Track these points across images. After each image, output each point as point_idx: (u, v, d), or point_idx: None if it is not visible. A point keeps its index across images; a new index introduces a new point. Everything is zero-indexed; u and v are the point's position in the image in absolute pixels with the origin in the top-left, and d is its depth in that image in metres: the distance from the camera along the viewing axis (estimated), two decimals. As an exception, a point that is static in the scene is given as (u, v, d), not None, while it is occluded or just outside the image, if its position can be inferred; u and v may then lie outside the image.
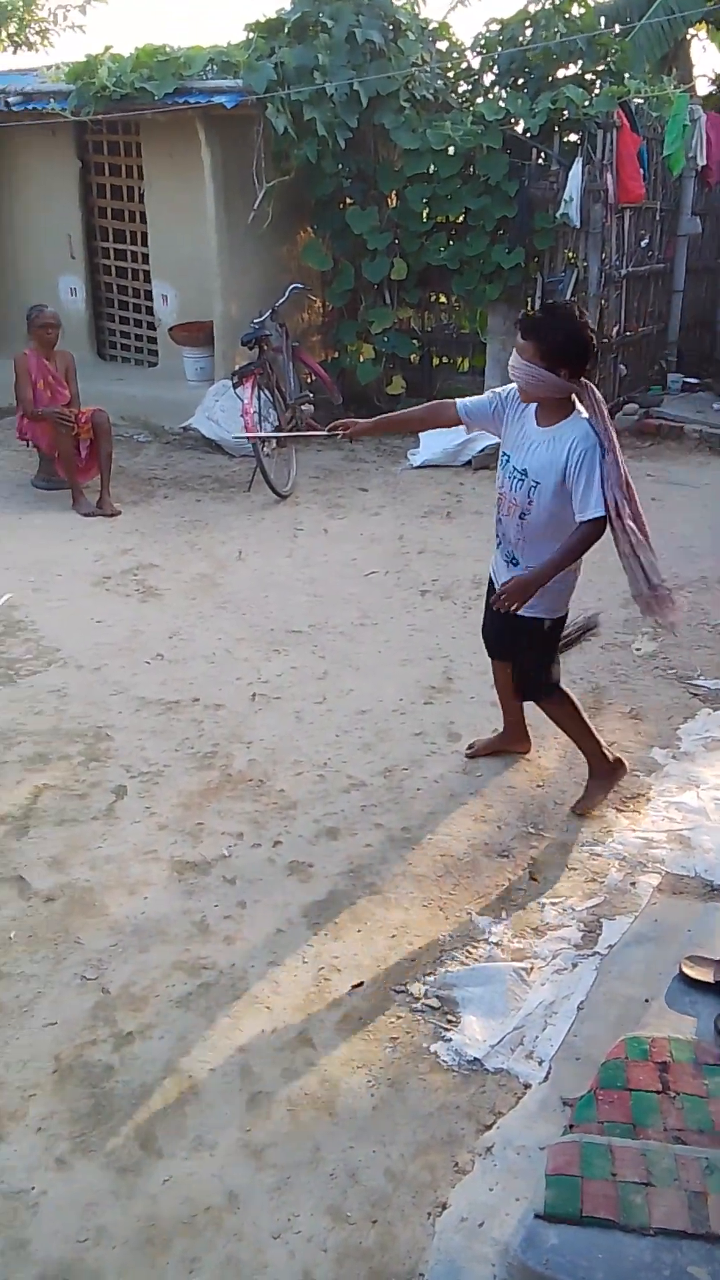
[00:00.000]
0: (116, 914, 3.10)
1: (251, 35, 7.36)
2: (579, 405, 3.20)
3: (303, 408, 7.31)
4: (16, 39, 12.73)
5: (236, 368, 6.80)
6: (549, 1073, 2.54)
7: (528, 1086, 2.52)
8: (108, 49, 7.56)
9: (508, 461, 3.30)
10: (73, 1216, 2.22)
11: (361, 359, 7.91)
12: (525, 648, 3.51)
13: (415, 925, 3.06)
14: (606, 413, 3.20)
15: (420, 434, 7.58)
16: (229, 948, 2.97)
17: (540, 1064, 2.58)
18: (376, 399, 8.15)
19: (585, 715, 3.62)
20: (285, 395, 7.07)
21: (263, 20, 7.36)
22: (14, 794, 3.68)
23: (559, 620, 3.46)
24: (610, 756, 3.63)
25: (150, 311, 8.83)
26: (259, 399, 6.59)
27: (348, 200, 7.80)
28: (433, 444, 7.43)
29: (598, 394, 3.20)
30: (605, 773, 3.61)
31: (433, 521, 6.40)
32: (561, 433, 3.16)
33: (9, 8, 12.36)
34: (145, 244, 8.63)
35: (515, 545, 3.36)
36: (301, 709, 4.25)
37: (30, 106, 7.94)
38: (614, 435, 3.18)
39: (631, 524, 3.14)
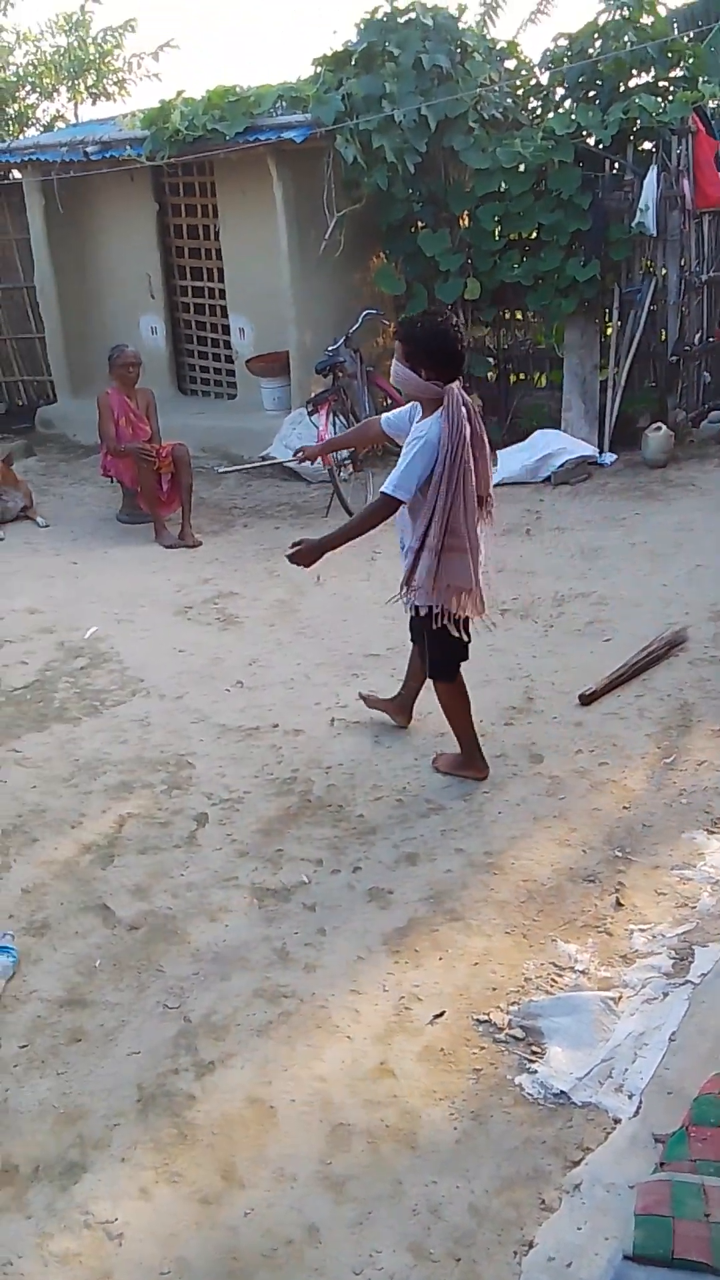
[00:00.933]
0: (198, 941, 3.12)
1: (319, 69, 7.48)
2: (444, 406, 3.42)
3: (378, 431, 7.31)
4: (95, 90, 13.21)
5: (312, 395, 6.87)
6: (639, 1107, 2.44)
7: (617, 1121, 2.43)
8: (180, 94, 7.78)
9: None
10: (155, 1248, 2.22)
11: (436, 381, 7.91)
12: (417, 632, 3.77)
13: (498, 953, 3.00)
14: (464, 417, 3.43)
15: (497, 452, 7.52)
16: (309, 975, 2.96)
17: (630, 1098, 2.48)
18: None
19: (471, 716, 3.82)
20: (360, 420, 7.10)
21: (330, 54, 7.47)
22: (100, 823, 3.74)
23: (434, 615, 3.59)
24: (481, 760, 3.85)
25: (228, 345, 9.00)
26: (334, 425, 6.64)
27: (419, 224, 7.83)
28: (510, 461, 7.37)
29: (460, 397, 3.45)
30: (468, 765, 3.86)
31: (512, 539, 6.32)
32: (419, 427, 3.46)
33: (86, 60, 12.85)
34: (221, 279, 8.82)
35: (402, 532, 3.70)
36: (380, 733, 4.22)
37: (109, 154, 8.22)
38: (464, 442, 3.41)
39: (435, 525, 3.42)
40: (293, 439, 7.66)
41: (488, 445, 3.61)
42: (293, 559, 3.72)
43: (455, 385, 3.46)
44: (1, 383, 10.42)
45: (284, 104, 7.42)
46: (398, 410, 3.77)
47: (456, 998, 2.84)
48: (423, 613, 3.64)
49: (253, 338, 8.63)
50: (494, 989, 2.87)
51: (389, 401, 7.76)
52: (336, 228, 7.49)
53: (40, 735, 4.38)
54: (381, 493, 3.47)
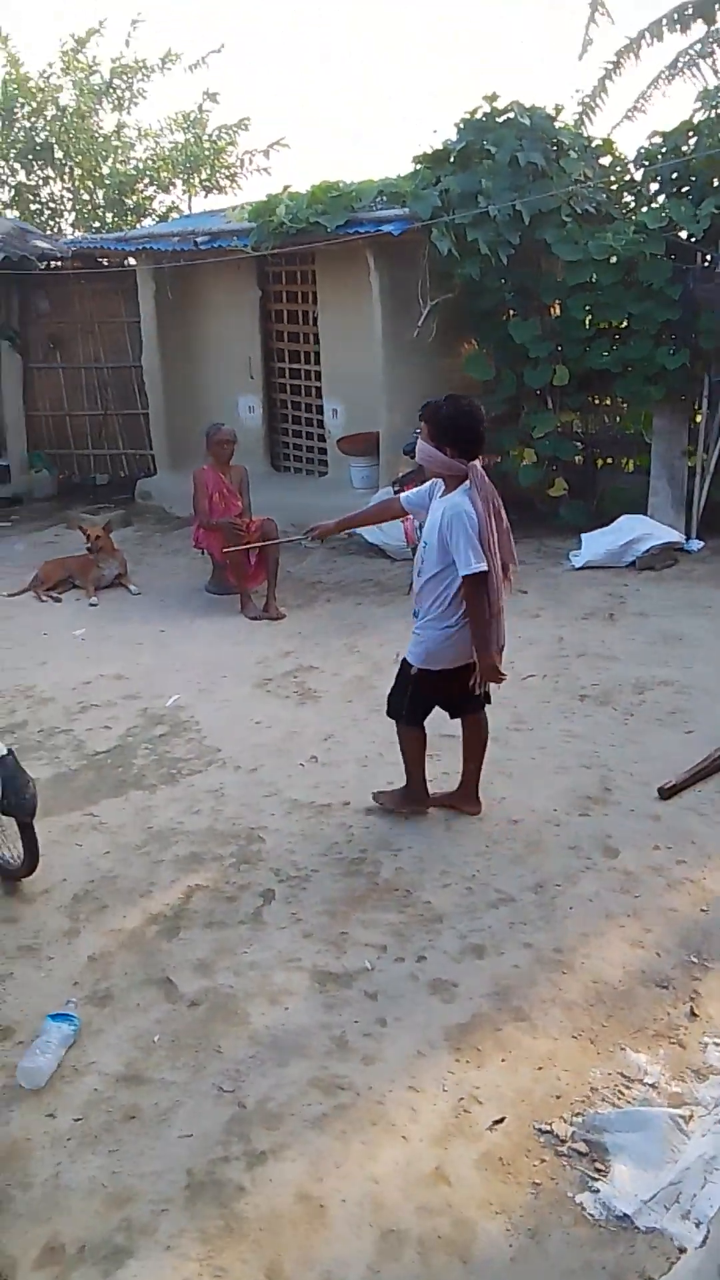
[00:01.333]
0: (257, 1024, 3.09)
1: (418, 166, 7.78)
2: (469, 482, 3.70)
3: (464, 512, 7.39)
4: (208, 184, 13.98)
5: (398, 476, 6.99)
6: (707, 1236, 2.29)
7: (682, 1251, 2.29)
8: (286, 189, 8.17)
9: (420, 530, 3.94)
10: (194, 1347, 2.16)
11: (523, 463, 7.96)
12: (399, 676, 4.06)
13: (564, 1058, 2.89)
14: (489, 493, 3.71)
15: (582, 535, 7.51)
16: (367, 1068, 2.89)
17: (697, 1226, 2.34)
18: (538, 502, 8.16)
19: (424, 760, 4.14)
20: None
21: (429, 152, 7.77)
22: (168, 894, 3.77)
23: (425, 673, 3.92)
24: (422, 795, 4.15)
25: (321, 425, 9.27)
26: (419, 505, 6.73)
27: (510, 312, 7.99)
28: (595, 544, 7.33)
29: (481, 474, 3.73)
30: (411, 799, 4.16)
31: (594, 624, 6.26)
32: (445, 501, 3.74)
33: (201, 156, 13.63)
34: (317, 362, 9.12)
35: (415, 598, 3.96)
36: (451, 817, 4.18)
37: (217, 244, 8.66)
38: (493, 513, 3.68)
39: (496, 590, 3.71)
40: (379, 517, 7.78)
41: (505, 517, 3.80)
42: (484, 680, 3.87)
43: (477, 462, 3.73)
44: (106, 455, 10.89)
45: (383, 199, 7.72)
46: (416, 489, 4.05)
47: (518, 1103, 2.75)
48: (412, 671, 3.95)
49: (344, 418, 8.86)
50: (558, 1097, 2.76)
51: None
52: (429, 316, 7.70)
53: (117, 801, 4.46)
54: (467, 574, 3.66)
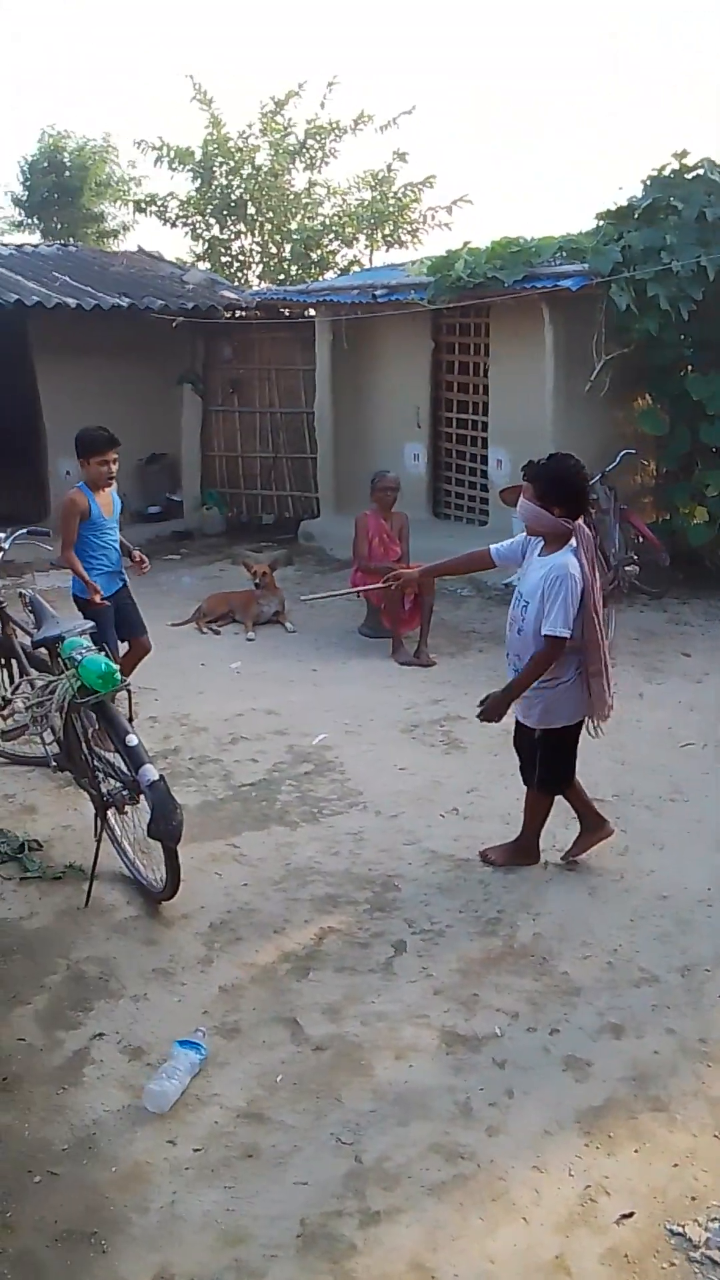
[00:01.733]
0: (381, 1077, 3.04)
1: (600, 222, 7.75)
2: (574, 541, 3.69)
3: (627, 568, 7.21)
4: (390, 239, 14.37)
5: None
6: None
7: None
8: (466, 244, 8.29)
9: (519, 596, 3.86)
10: None
11: (694, 521, 7.71)
12: (537, 753, 4.00)
13: (704, 1157, 2.70)
14: (593, 554, 3.75)
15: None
16: (491, 1140, 2.79)
17: None
18: (708, 560, 7.86)
19: (543, 822, 4.12)
20: (609, 557, 7.03)
21: (613, 208, 7.73)
22: (302, 933, 3.78)
23: (561, 730, 3.91)
24: (535, 851, 4.13)
25: (484, 474, 9.26)
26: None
27: (689, 368, 7.80)
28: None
29: (587, 534, 3.73)
30: (524, 853, 4.14)
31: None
32: (550, 560, 3.70)
33: (386, 213, 14.04)
34: (485, 413, 9.15)
35: (516, 658, 3.90)
36: (596, 885, 4.02)
37: (394, 297, 8.86)
38: (594, 571, 3.72)
39: (599, 650, 3.77)
40: (538, 570, 7.69)
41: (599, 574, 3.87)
42: (483, 717, 3.95)
43: (580, 521, 3.71)
44: (274, 496, 11.25)
45: (563, 254, 7.72)
46: (509, 542, 4.02)
47: (650, 1199, 2.58)
48: (549, 733, 3.93)
49: (509, 469, 8.82)
50: (694, 1198, 2.57)
51: (640, 539, 7.65)
52: (602, 370, 7.60)
53: (259, 834, 4.52)
54: (549, 636, 3.67)
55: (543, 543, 3.79)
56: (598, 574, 3.77)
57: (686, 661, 6.49)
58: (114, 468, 5.23)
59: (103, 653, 3.98)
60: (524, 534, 3.92)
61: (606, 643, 3.85)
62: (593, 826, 4.17)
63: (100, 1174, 2.71)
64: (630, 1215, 2.53)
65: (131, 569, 5.48)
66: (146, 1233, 2.54)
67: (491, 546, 4.06)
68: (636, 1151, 2.72)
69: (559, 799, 4.15)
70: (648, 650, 6.75)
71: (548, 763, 3.99)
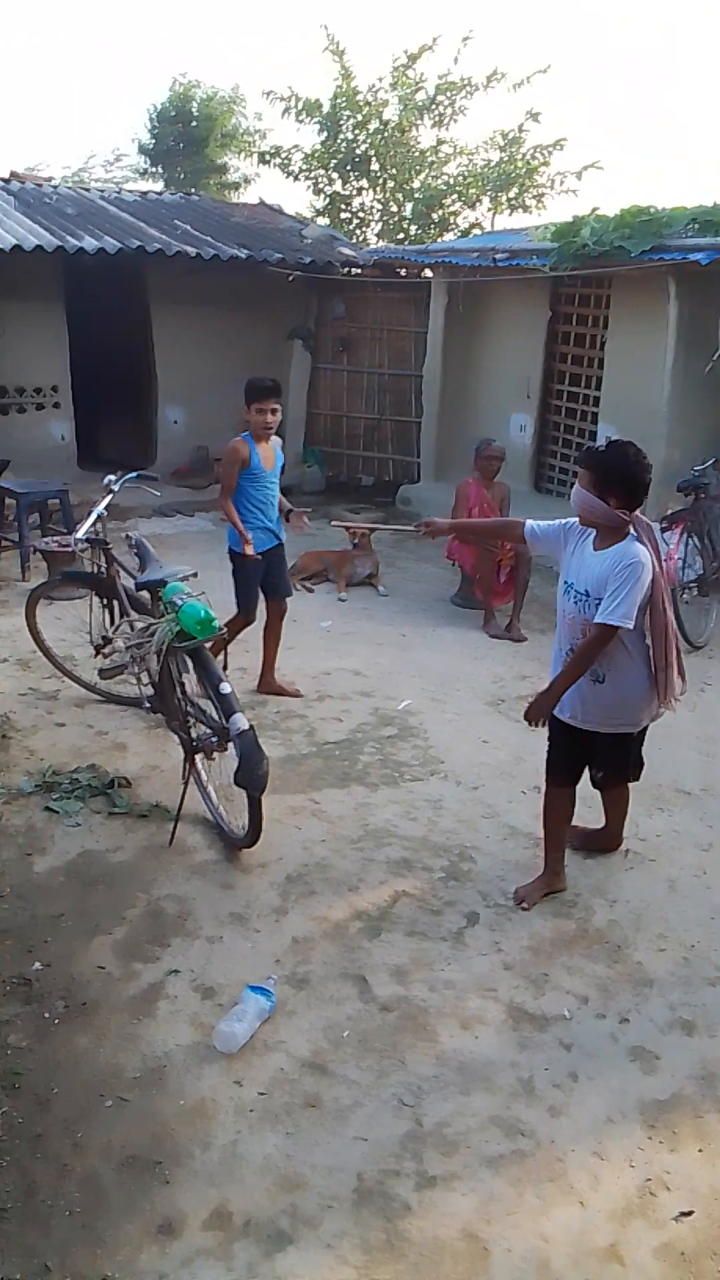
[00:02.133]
0: (446, 1045, 3.05)
1: (740, 195, 7.42)
2: (634, 531, 3.43)
3: (733, 559, 6.98)
4: (515, 202, 14.04)
5: (668, 512, 6.69)
6: None
7: None
8: (594, 210, 8.04)
9: (570, 588, 3.57)
10: None
11: None
12: (623, 758, 3.76)
13: (770, 1164, 2.64)
14: (655, 543, 3.45)
15: None
16: (552, 1120, 2.78)
17: None
18: None
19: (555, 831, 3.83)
20: (715, 544, 6.82)
21: (755, 180, 7.40)
22: (376, 893, 3.80)
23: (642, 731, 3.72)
24: (559, 878, 3.82)
25: (592, 450, 9.05)
26: (685, 544, 6.42)
27: None
28: None
29: (649, 525, 3.47)
30: (548, 879, 3.81)
31: None
32: (613, 551, 3.43)
33: (513, 175, 13.71)
34: (597, 387, 8.91)
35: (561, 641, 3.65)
36: (677, 878, 3.94)
37: (515, 263, 8.66)
38: (660, 564, 3.46)
39: (670, 643, 3.51)
40: (640, 552, 7.50)
41: None
42: (529, 717, 3.60)
43: (639, 513, 3.46)
44: (374, 458, 11.20)
45: (695, 226, 7.41)
46: (547, 524, 3.73)
47: (711, 1200, 2.54)
48: (634, 735, 3.72)
49: (619, 447, 8.60)
50: (757, 1205, 2.52)
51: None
52: (727, 351, 7.31)
53: (339, 793, 4.56)
54: (604, 624, 3.38)
55: (594, 534, 3.51)
56: (661, 564, 3.49)
57: (785, 659, 6.28)
58: (273, 418, 5.11)
59: (200, 597, 4.01)
60: (564, 520, 3.64)
61: (675, 636, 3.57)
62: (552, 872, 3.86)
63: (168, 1106, 2.79)
64: (690, 1213, 2.49)
65: (290, 528, 5.42)
66: (208, 1168, 2.61)
67: (528, 521, 3.79)
68: (700, 1151, 2.68)
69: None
70: (749, 644, 6.54)
71: (637, 752, 3.81)
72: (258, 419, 5.12)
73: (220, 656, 4.02)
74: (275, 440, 5.26)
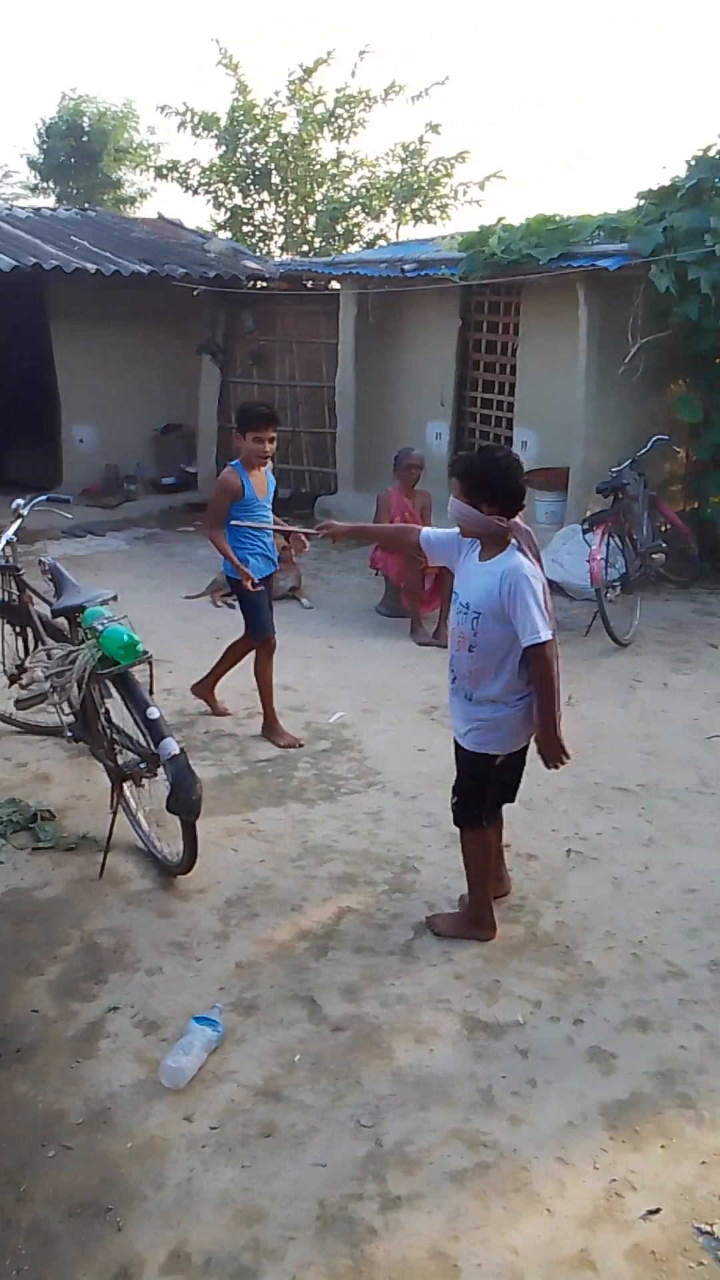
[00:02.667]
0: (401, 1061, 2.98)
1: (643, 202, 7.59)
2: (515, 540, 3.30)
3: (654, 556, 7.12)
4: (419, 213, 14.16)
5: (589, 514, 6.79)
6: None
7: None
8: (500, 220, 8.14)
9: (457, 599, 3.43)
10: None
11: (725, 511, 7.61)
12: (469, 774, 3.54)
13: (731, 1156, 2.64)
14: (537, 552, 3.33)
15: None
16: (514, 1129, 2.73)
17: None
18: (736, 553, 7.76)
19: (489, 868, 3.61)
20: (636, 544, 6.94)
21: (656, 188, 7.56)
22: (320, 911, 3.71)
23: (493, 759, 3.45)
24: (489, 920, 3.57)
25: (508, 456, 9.14)
26: (608, 546, 6.51)
27: (726, 355, 7.67)
28: None
29: (527, 531, 3.32)
30: (476, 924, 3.57)
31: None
32: (496, 565, 3.29)
33: (416, 187, 13.83)
34: (512, 393, 9.02)
35: (467, 679, 3.40)
36: (621, 875, 3.95)
37: (424, 273, 8.72)
38: (542, 575, 3.30)
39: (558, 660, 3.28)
40: (562, 554, 7.59)
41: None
42: (550, 763, 3.38)
43: (518, 519, 3.30)
44: (290, 471, 11.13)
45: (602, 234, 7.57)
46: (443, 533, 3.55)
47: (677, 1196, 2.52)
48: (499, 760, 3.47)
49: (535, 451, 8.71)
50: (722, 1198, 2.51)
51: (668, 528, 7.55)
52: (639, 353, 7.46)
53: (276, 811, 4.46)
54: (534, 645, 3.20)
55: (480, 546, 3.37)
56: (543, 569, 3.31)
57: (714, 653, 6.40)
58: (270, 447, 5.00)
59: (122, 621, 3.88)
60: (454, 531, 3.47)
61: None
62: (495, 879, 3.74)
63: (116, 1148, 2.66)
64: (657, 1212, 2.47)
65: (287, 549, 5.26)
66: (162, 1209, 2.49)
67: (424, 530, 3.64)
68: (663, 1148, 2.67)
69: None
70: (674, 640, 6.65)
71: (463, 786, 3.55)
72: (254, 447, 5.00)
73: (146, 680, 3.89)
74: (267, 467, 5.16)
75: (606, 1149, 2.66)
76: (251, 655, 5.30)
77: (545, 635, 3.20)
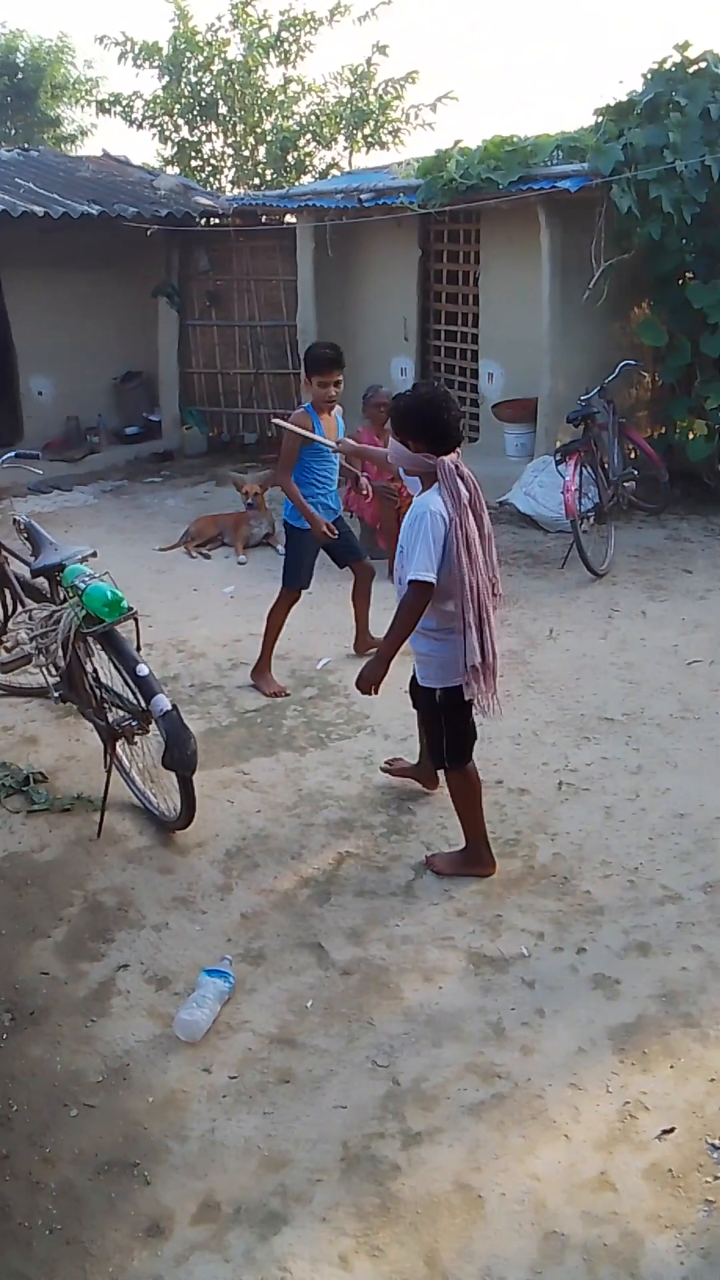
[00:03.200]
0: (411, 1000, 3.03)
1: (600, 119, 7.39)
2: (440, 479, 3.28)
3: (625, 484, 7.11)
4: (371, 139, 13.75)
5: (559, 444, 6.74)
6: None
7: None
8: (457, 143, 7.91)
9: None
10: (352, 1326, 2.12)
11: (692, 436, 7.57)
12: (424, 714, 3.68)
13: (738, 1072, 2.72)
14: (460, 487, 3.26)
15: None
16: (526, 1059, 2.80)
17: None
18: (706, 476, 7.75)
19: (482, 806, 3.62)
20: (608, 472, 6.91)
21: (613, 104, 7.36)
22: (320, 858, 3.74)
23: (454, 690, 3.42)
24: (489, 857, 3.62)
25: (474, 389, 9.03)
26: (580, 475, 6.48)
27: (689, 275, 7.56)
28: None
29: (452, 468, 3.27)
30: (474, 861, 3.62)
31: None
32: (417, 501, 3.35)
33: (367, 112, 13.40)
34: (475, 325, 8.87)
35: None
36: (612, 804, 4.00)
37: (381, 202, 8.48)
38: (471, 516, 3.26)
39: (473, 599, 3.27)
40: (534, 486, 7.55)
41: (488, 522, 3.39)
42: (360, 687, 3.47)
43: (449, 457, 3.28)
44: (256, 414, 10.94)
45: (560, 154, 7.38)
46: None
47: (689, 1114, 2.60)
48: (438, 694, 3.49)
49: (501, 383, 8.61)
50: (732, 1113, 2.60)
51: (637, 454, 7.52)
52: (602, 278, 7.35)
53: (268, 760, 4.46)
54: (412, 582, 3.24)
55: (420, 483, 3.43)
56: (476, 521, 3.30)
57: (688, 578, 6.43)
58: (336, 390, 4.89)
59: (104, 577, 3.82)
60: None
61: (490, 593, 3.37)
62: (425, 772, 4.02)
63: (137, 1104, 2.70)
64: (671, 1131, 2.55)
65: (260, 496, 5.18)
66: (188, 1161, 2.54)
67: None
68: (672, 1068, 2.74)
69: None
70: (648, 568, 6.67)
71: (453, 725, 3.51)
72: (320, 391, 4.90)
73: (133, 636, 3.84)
74: (337, 410, 5.07)
75: (617, 1072, 2.74)
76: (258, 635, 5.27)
77: (425, 577, 3.22)
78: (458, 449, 3.34)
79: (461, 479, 3.29)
